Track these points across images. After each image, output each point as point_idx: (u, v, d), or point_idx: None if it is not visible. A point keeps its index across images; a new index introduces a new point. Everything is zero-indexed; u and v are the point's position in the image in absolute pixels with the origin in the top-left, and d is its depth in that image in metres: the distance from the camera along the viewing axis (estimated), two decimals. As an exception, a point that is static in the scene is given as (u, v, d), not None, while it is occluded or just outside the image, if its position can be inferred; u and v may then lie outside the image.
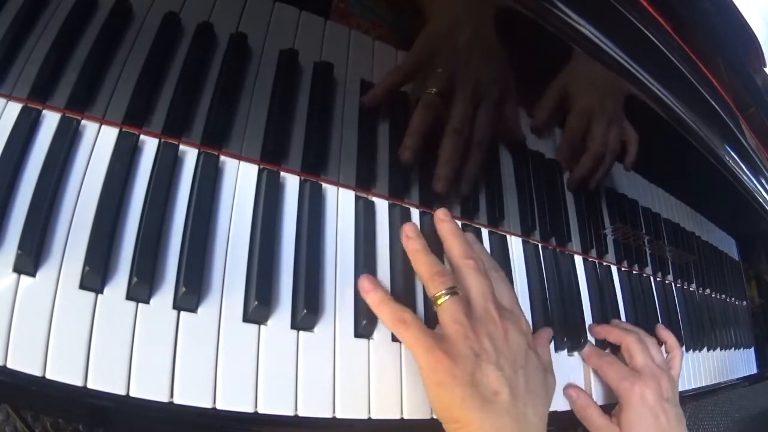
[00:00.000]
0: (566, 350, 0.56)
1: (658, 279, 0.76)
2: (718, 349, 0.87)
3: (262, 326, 0.38)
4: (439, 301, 0.41)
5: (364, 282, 0.41)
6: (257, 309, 0.37)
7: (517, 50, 0.48)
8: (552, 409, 0.52)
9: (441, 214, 0.47)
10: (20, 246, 0.31)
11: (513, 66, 0.49)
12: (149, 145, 0.38)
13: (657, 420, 0.51)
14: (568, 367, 0.56)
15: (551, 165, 0.61)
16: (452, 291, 0.41)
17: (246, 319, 0.37)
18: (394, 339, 0.43)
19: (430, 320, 0.45)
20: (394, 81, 0.49)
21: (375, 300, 0.40)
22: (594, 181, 0.63)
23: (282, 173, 0.43)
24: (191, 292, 0.35)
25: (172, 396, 0.33)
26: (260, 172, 0.42)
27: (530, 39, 0.45)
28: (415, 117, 0.48)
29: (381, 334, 0.42)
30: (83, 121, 0.37)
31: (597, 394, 0.57)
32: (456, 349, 0.38)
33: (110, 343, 0.32)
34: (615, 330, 0.59)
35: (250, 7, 0.44)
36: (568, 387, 0.54)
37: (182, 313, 0.35)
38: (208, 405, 0.34)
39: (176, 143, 0.39)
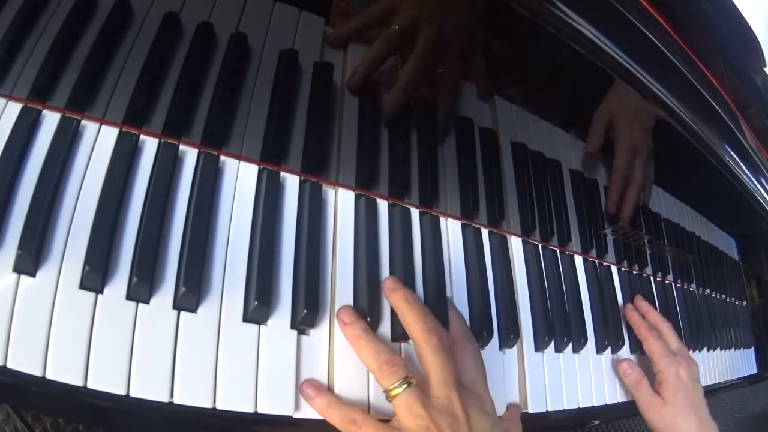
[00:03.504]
0: (567, 351, 0.56)
1: (658, 279, 0.76)
2: (718, 349, 0.87)
3: (262, 326, 0.38)
4: (392, 393, 0.38)
5: (308, 388, 0.38)
6: (257, 309, 0.37)
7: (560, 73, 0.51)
8: (554, 408, 0.53)
9: (389, 283, 0.43)
10: (20, 246, 0.31)
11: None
12: (149, 145, 0.38)
13: (690, 395, 0.59)
14: (568, 367, 0.56)
15: (551, 165, 0.61)
16: (406, 381, 0.38)
17: (246, 319, 0.37)
18: (394, 339, 0.43)
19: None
20: (360, 23, 0.48)
21: (320, 405, 0.37)
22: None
23: (282, 173, 0.43)
24: (191, 292, 0.35)
25: (172, 396, 0.33)
26: (260, 172, 0.42)
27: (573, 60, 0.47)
28: (373, 46, 0.47)
29: (380, 334, 0.43)
30: (83, 121, 0.37)
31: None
32: None
33: (110, 343, 0.32)
34: (654, 314, 0.67)
35: (250, 7, 0.44)
36: (623, 362, 0.61)
37: (182, 313, 0.35)
38: (208, 405, 0.34)
39: (176, 143, 0.39)
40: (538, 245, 0.58)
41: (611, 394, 0.60)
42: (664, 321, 0.66)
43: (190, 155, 0.40)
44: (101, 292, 0.33)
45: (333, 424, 0.37)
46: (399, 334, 0.42)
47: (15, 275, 0.31)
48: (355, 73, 0.47)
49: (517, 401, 0.50)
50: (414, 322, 0.41)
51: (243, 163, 0.42)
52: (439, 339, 0.40)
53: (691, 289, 0.85)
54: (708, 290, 0.90)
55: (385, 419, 0.39)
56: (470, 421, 0.38)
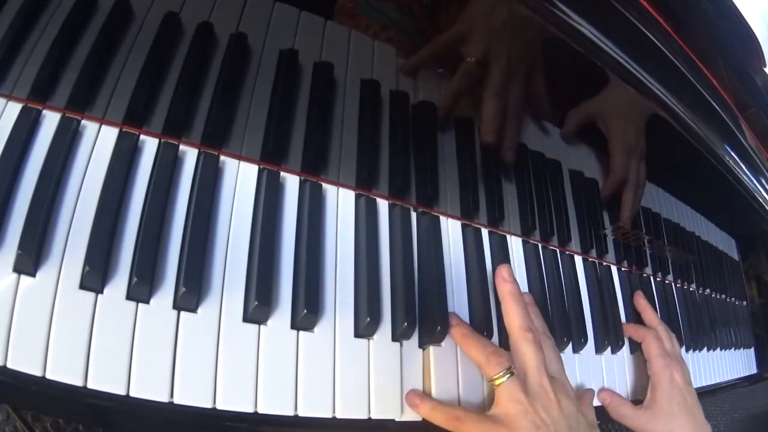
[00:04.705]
0: (567, 351, 0.56)
1: (658, 279, 0.76)
2: (718, 349, 0.87)
3: (262, 326, 0.38)
4: (497, 382, 0.43)
5: (413, 397, 0.42)
6: (257, 309, 0.37)
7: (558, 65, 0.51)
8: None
9: (505, 274, 0.49)
10: (20, 246, 0.31)
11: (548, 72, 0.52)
12: (149, 145, 0.38)
13: (684, 400, 0.58)
14: (568, 367, 0.56)
15: (551, 165, 0.61)
16: (509, 371, 0.42)
17: (246, 319, 0.37)
18: (394, 339, 0.43)
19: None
20: (432, 51, 0.49)
21: (426, 410, 0.42)
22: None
23: (282, 173, 0.43)
24: (191, 292, 0.35)
25: (172, 396, 0.33)
26: (260, 172, 0.42)
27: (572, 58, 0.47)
28: (453, 80, 0.49)
29: (381, 334, 0.43)
30: (83, 121, 0.37)
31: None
32: (518, 424, 0.41)
33: (110, 343, 0.32)
34: (651, 313, 0.66)
35: (250, 7, 0.44)
36: (601, 391, 0.59)
37: (182, 313, 0.35)
38: (208, 405, 0.34)
39: (176, 143, 0.39)
40: (538, 245, 0.58)
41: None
42: (660, 322, 0.65)
43: (190, 155, 0.40)
44: (101, 292, 0.33)
45: (438, 424, 0.41)
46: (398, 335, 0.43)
47: (15, 275, 0.31)
48: (440, 108, 0.50)
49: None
50: (516, 316, 0.46)
51: (243, 163, 0.42)
52: (533, 334, 0.45)
53: (691, 289, 0.85)
54: (708, 290, 0.90)
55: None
56: (560, 404, 0.43)
